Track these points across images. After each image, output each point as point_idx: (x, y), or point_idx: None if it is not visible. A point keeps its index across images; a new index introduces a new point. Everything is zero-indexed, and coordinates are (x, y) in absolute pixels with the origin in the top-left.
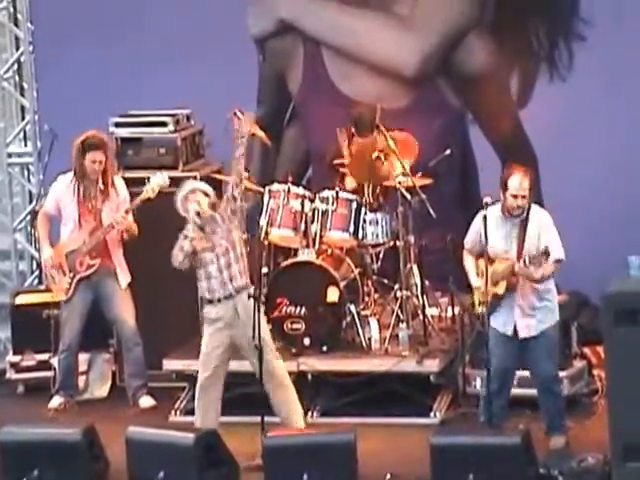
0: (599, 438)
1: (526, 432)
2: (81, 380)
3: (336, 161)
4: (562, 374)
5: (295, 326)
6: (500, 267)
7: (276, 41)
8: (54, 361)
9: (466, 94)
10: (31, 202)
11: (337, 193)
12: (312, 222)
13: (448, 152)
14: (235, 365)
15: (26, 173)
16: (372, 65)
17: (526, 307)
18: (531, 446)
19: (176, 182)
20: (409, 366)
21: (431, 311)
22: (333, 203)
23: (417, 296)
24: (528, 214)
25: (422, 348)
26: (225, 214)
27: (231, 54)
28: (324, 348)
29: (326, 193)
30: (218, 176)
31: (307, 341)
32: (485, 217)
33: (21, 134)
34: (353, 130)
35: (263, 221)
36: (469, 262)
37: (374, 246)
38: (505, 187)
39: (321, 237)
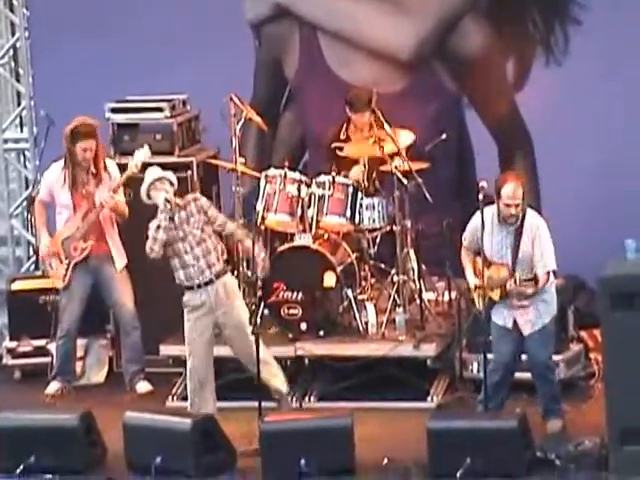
0: (596, 422)
1: (523, 416)
2: (78, 366)
3: (334, 144)
4: (559, 358)
5: (292, 311)
6: (495, 275)
7: (272, 26)
8: (51, 347)
9: (462, 78)
10: (27, 188)
11: (333, 178)
12: (309, 207)
13: (444, 136)
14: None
15: (22, 159)
16: (368, 49)
17: (524, 307)
18: (528, 430)
19: (171, 167)
20: (406, 350)
21: (428, 295)
22: (329, 188)
23: (414, 280)
24: (523, 221)
25: (419, 332)
26: (207, 207)
27: (227, 39)
28: (321, 333)
29: (322, 178)
30: (214, 161)
31: (304, 326)
32: (482, 213)
33: (17, 120)
34: (348, 108)
35: (260, 206)
36: (467, 261)
37: (371, 231)
38: (499, 195)
39: (318, 222)
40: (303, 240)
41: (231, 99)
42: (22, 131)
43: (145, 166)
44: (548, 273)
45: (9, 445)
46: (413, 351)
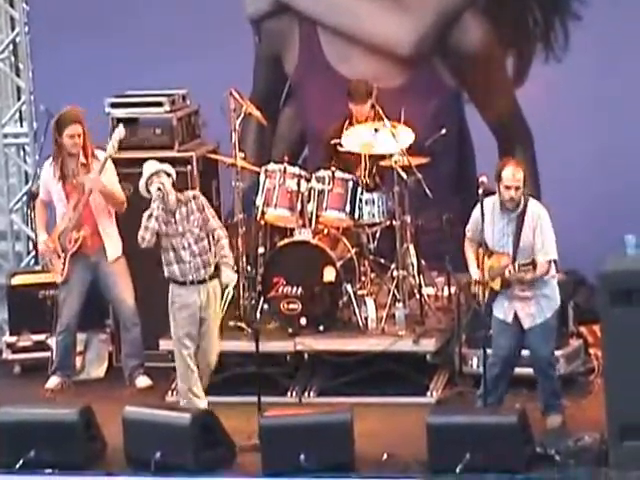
0: (596, 417)
1: (522, 411)
2: (78, 360)
3: (334, 141)
4: (559, 353)
5: (291, 306)
6: (496, 264)
7: (272, 22)
8: (51, 341)
9: (462, 73)
10: (27, 183)
11: (333, 173)
12: (308, 202)
13: (443, 132)
14: (232, 345)
15: (22, 154)
16: (368, 45)
17: (525, 298)
18: (528, 425)
19: (170, 161)
20: (405, 345)
21: (427, 290)
22: (329, 183)
23: (413, 276)
24: (525, 209)
25: (418, 327)
26: (204, 204)
27: (227, 35)
28: (320, 328)
29: (322, 173)
30: (213, 156)
31: (303, 321)
32: (482, 205)
33: (17, 115)
34: (348, 99)
35: (259, 201)
36: (470, 253)
37: (370, 226)
38: (499, 179)
39: (317, 217)
40: (303, 235)
41: (231, 94)
42: (22, 126)
43: (143, 160)
44: (549, 262)
45: (9, 440)
46: (413, 346)
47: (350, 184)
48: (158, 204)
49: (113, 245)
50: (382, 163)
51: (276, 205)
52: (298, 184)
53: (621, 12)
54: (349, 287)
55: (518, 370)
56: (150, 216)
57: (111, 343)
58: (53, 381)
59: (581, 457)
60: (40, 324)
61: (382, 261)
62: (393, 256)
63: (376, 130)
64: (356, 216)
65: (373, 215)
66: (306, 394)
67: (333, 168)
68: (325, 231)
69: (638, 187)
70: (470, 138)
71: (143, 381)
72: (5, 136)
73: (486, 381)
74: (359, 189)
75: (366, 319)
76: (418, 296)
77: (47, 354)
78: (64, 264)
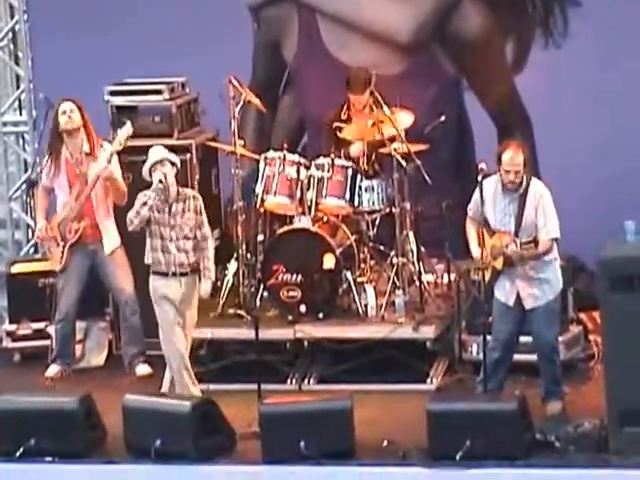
0: (595, 403)
1: (522, 398)
2: (77, 349)
3: (335, 124)
4: (559, 339)
5: (291, 293)
6: (498, 243)
7: (271, 9)
8: (50, 329)
9: (461, 60)
10: (26, 171)
11: (333, 160)
12: (308, 189)
13: (443, 119)
14: (231, 333)
15: (21, 142)
16: (367, 32)
17: (528, 278)
18: (527, 412)
19: (170, 149)
20: (405, 333)
21: (427, 277)
22: (329, 170)
23: (413, 263)
24: (527, 189)
25: (418, 315)
26: (202, 208)
27: (226, 22)
28: (320, 315)
29: (322, 160)
30: (213, 144)
31: (303, 308)
32: (482, 185)
33: (16, 103)
34: (346, 87)
35: (259, 188)
36: (471, 231)
37: (370, 213)
38: (499, 162)
39: (317, 204)
40: (302, 222)
41: (230, 82)
42: (21, 114)
43: (143, 148)
44: (551, 240)
45: (9, 428)
46: (412, 333)
47: (349, 171)
48: (156, 194)
49: (110, 239)
50: (381, 150)
51: (276, 193)
52: (297, 171)
53: None
54: (349, 274)
55: (517, 357)
56: (144, 204)
57: (111, 331)
58: (53, 369)
59: (581, 443)
60: (40, 312)
61: (382, 248)
62: (393, 243)
63: (374, 124)
64: (355, 203)
65: (373, 202)
66: (306, 381)
67: (332, 155)
68: (325, 218)
69: (638, 173)
70: (469, 125)
71: (143, 369)
72: (4, 124)
73: (486, 367)
74: (358, 176)
75: (366, 306)
76: (418, 283)
77: (47, 342)
78: (62, 253)
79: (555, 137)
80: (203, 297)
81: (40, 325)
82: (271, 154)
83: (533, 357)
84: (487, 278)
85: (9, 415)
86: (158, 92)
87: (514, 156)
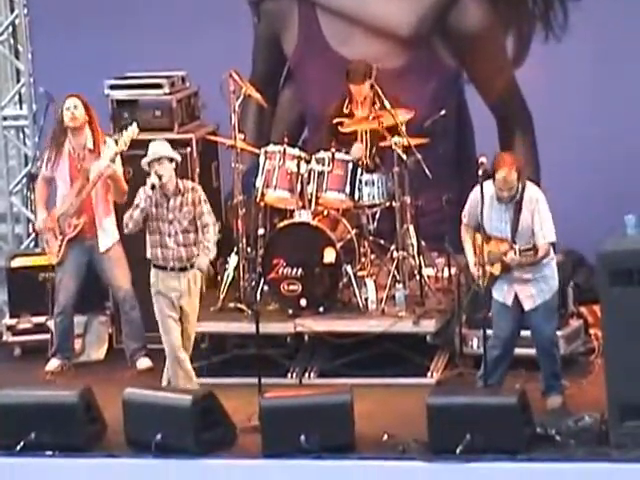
0: (596, 397)
1: (523, 392)
2: (78, 343)
3: (336, 120)
4: (559, 333)
5: (291, 287)
6: (495, 249)
7: (271, 2)
8: (51, 324)
9: (461, 54)
10: (27, 165)
11: (333, 154)
12: (308, 183)
13: (443, 112)
14: (232, 327)
15: (21, 136)
16: (367, 26)
17: (525, 280)
18: (528, 406)
19: (170, 143)
20: (406, 327)
21: (427, 271)
22: (329, 164)
23: (413, 256)
24: (522, 194)
25: (418, 308)
26: (201, 198)
27: (226, 16)
28: (321, 309)
29: (322, 154)
30: (213, 137)
31: (303, 302)
32: (482, 187)
33: (16, 97)
34: (346, 79)
35: (259, 182)
36: (467, 237)
37: (370, 207)
38: (494, 176)
39: (317, 198)
40: (303, 216)
41: (230, 76)
42: (21, 108)
43: (143, 142)
44: (549, 245)
45: (9, 422)
46: (413, 327)
47: (350, 165)
48: (147, 197)
49: (106, 237)
50: (382, 144)
51: (276, 186)
52: (298, 165)
53: None
54: (349, 268)
55: (518, 351)
56: (137, 206)
57: (111, 325)
58: (53, 363)
59: (581, 437)
60: (40, 306)
61: (382, 242)
62: (393, 237)
63: (375, 117)
64: (356, 197)
65: (373, 196)
66: (306, 375)
67: (333, 149)
68: (325, 212)
69: (638, 167)
70: (470, 119)
71: (144, 363)
72: (4, 118)
73: (486, 362)
74: (359, 170)
75: (366, 300)
76: (418, 277)
77: (47, 336)
78: (60, 246)
79: (555, 131)
80: (201, 269)
81: (40, 319)
82: (271, 148)
83: (533, 351)
84: (484, 283)
85: (9, 409)
86: (158, 86)
87: (506, 176)
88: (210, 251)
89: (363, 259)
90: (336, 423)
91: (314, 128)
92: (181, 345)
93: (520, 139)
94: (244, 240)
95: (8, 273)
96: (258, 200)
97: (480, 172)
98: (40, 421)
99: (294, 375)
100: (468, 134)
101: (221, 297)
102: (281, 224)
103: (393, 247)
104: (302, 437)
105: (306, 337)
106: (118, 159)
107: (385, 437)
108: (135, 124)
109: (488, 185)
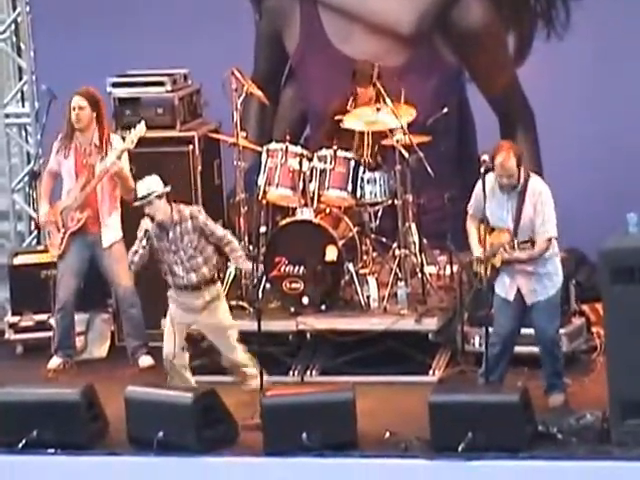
0: (598, 395)
1: (524, 390)
2: (80, 340)
3: (339, 117)
4: (561, 331)
5: (293, 285)
6: (497, 240)
7: (273, 0)
8: (53, 321)
9: (463, 51)
10: (29, 163)
11: (335, 152)
12: (310, 181)
13: (445, 110)
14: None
15: (24, 134)
16: (368, 23)
17: (528, 274)
18: (529, 404)
19: (172, 141)
20: (408, 324)
21: (429, 269)
22: (331, 162)
23: (415, 254)
24: (526, 186)
25: (420, 306)
26: (203, 224)
27: (228, 13)
28: (323, 307)
29: (324, 152)
30: (215, 135)
31: (305, 300)
32: (484, 182)
33: (18, 95)
34: (352, 81)
35: (261, 180)
36: (472, 229)
37: (372, 205)
38: (493, 165)
39: (319, 196)
40: (305, 214)
41: (232, 73)
42: (24, 106)
43: (145, 140)
44: (549, 240)
45: (11, 420)
46: (415, 325)
47: (352, 163)
48: (141, 243)
49: (109, 233)
50: (384, 142)
51: (278, 184)
52: (300, 163)
53: None
54: (351, 266)
55: (519, 349)
56: (135, 252)
57: (113, 323)
58: (55, 361)
59: (583, 435)
60: (42, 304)
61: (384, 240)
62: (395, 235)
63: (378, 109)
64: (358, 195)
65: (375, 194)
66: (308, 373)
67: (335, 147)
68: (327, 210)
69: (639, 164)
70: (471, 116)
71: (145, 361)
72: (7, 116)
73: (487, 359)
74: (361, 168)
75: (368, 298)
76: (420, 275)
77: (49, 334)
78: (62, 239)
79: (557, 128)
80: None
81: (42, 317)
82: (273, 146)
83: (535, 349)
84: (490, 276)
85: (11, 407)
86: (160, 84)
87: (504, 162)
88: (242, 256)
89: (365, 257)
90: (338, 421)
91: (316, 126)
92: (173, 352)
93: (522, 136)
94: (246, 238)
95: (10, 271)
96: (260, 198)
97: (482, 170)
98: (42, 419)
99: (296, 373)
100: (470, 132)
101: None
102: (283, 222)
103: (395, 245)
104: (304, 435)
105: (308, 335)
106: (125, 156)
107: (387, 435)
108: (143, 122)
109: (490, 177)
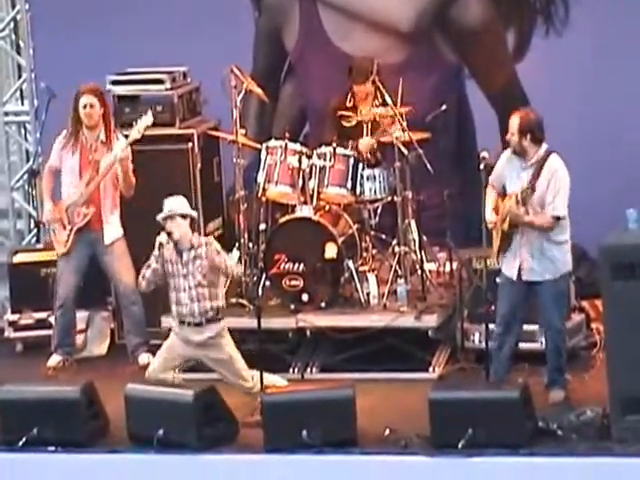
0: (598, 391)
1: (525, 386)
2: (80, 338)
3: (339, 112)
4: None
5: (293, 282)
6: (507, 204)
7: None
8: (52, 319)
9: (462, 48)
10: (28, 161)
11: (334, 149)
12: (309, 178)
13: (444, 107)
14: (233, 322)
15: (23, 132)
16: (368, 21)
17: (529, 251)
18: (530, 400)
19: (172, 138)
20: (407, 321)
21: (429, 266)
22: (330, 159)
23: (415, 251)
24: (544, 162)
25: (420, 303)
26: (213, 252)
27: (227, 10)
28: (322, 304)
29: (323, 149)
30: (215, 133)
31: (305, 297)
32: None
33: (18, 93)
34: (349, 77)
35: (260, 178)
36: (489, 196)
37: (372, 202)
38: None
39: (319, 193)
40: (304, 211)
41: (232, 71)
42: (23, 104)
43: (145, 137)
44: (556, 218)
45: (11, 418)
46: (414, 322)
47: (351, 160)
48: (156, 257)
49: (111, 230)
50: (383, 139)
51: (277, 182)
52: (299, 160)
53: None
54: (351, 263)
55: (520, 345)
56: (148, 266)
57: (113, 320)
58: (55, 359)
59: (583, 431)
60: (42, 302)
61: (383, 237)
62: (394, 232)
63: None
64: (357, 192)
65: (374, 191)
66: (308, 370)
67: (334, 144)
68: (326, 207)
69: (639, 161)
70: (471, 113)
71: (145, 358)
72: (6, 114)
73: (488, 353)
74: (360, 165)
75: (368, 295)
76: (420, 272)
77: (49, 332)
78: (68, 236)
79: (556, 125)
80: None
81: (42, 315)
82: (273, 143)
83: (536, 345)
84: (497, 244)
85: (12, 405)
86: (160, 82)
87: (513, 120)
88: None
89: (365, 254)
90: (338, 418)
91: (315, 123)
92: (157, 374)
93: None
94: (245, 235)
95: (10, 269)
96: (259, 195)
97: (482, 166)
98: (42, 417)
99: (296, 370)
100: (469, 129)
101: (223, 292)
102: (282, 219)
103: (395, 242)
104: (304, 432)
105: (308, 332)
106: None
107: (387, 432)
108: (150, 112)
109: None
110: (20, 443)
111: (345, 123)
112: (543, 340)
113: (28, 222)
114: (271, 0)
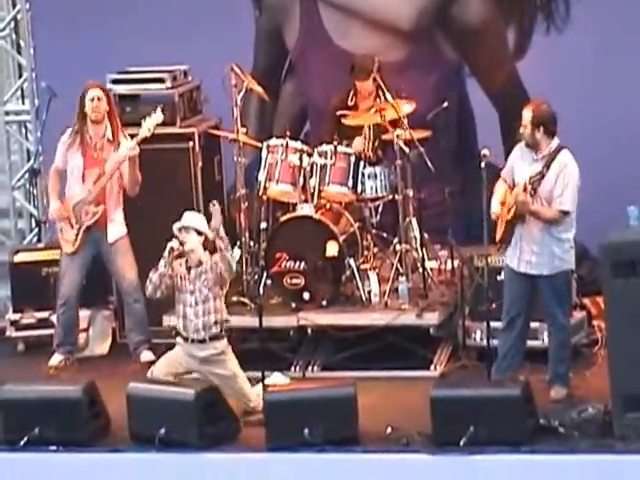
0: (599, 388)
1: (526, 384)
2: (81, 337)
3: (340, 112)
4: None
5: (294, 281)
6: (513, 193)
7: None
8: (54, 318)
9: (463, 46)
10: (29, 160)
11: (335, 147)
12: (310, 176)
13: (445, 105)
14: (235, 320)
15: (24, 131)
16: (368, 19)
17: (528, 243)
18: (531, 397)
19: (173, 137)
20: (409, 319)
21: (430, 264)
22: (331, 157)
23: (416, 249)
24: (554, 156)
25: (422, 301)
26: (218, 264)
27: (228, 9)
28: (324, 302)
29: (324, 147)
30: (215, 132)
31: (307, 296)
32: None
33: (18, 92)
34: (351, 75)
35: (261, 176)
36: (499, 189)
37: (373, 200)
38: None
39: (320, 191)
40: (305, 210)
41: (232, 69)
42: (24, 103)
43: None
44: (563, 213)
45: (13, 417)
46: (416, 320)
47: (352, 158)
48: (166, 261)
49: (115, 228)
50: (384, 137)
51: (278, 180)
52: (300, 159)
53: None
54: (352, 261)
55: None
56: (156, 269)
57: (115, 319)
58: (56, 358)
59: (585, 429)
60: (43, 301)
61: (385, 235)
62: (396, 230)
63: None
64: (358, 190)
65: (375, 189)
66: (309, 369)
67: (335, 142)
68: (327, 206)
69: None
70: (471, 111)
71: (147, 356)
72: (7, 114)
73: (490, 349)
74: (361, 163)
75: (369, 293)
76: (421, 270)
77: (50, 331)
78: (77, 235)
79: (557, 121)
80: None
81: (44, 314)
82: (273, 141)
83: (537, 343)
84: (500, 234)
85: (13, 404)
86: (160, 80)
87: (523, 113)
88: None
89: (366, 252)
90: (340, 416)
91: (316, 121)
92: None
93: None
94: (247, 234)
95: (11, 268)
96: (260, 194)
97: (482, 164)
98: (44, 416)
99: (297, 368)
100: (470, 127)
101: (224, 291)
102: (284, 218)
103: (396, 240)
104: (306, 430)
105: (309, 330)
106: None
107: (389, 430)
108: (159, 110)
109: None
110: (22, 443)
111: (345, 122)
112: (545, 337)
113: (29, 221)
114: None
